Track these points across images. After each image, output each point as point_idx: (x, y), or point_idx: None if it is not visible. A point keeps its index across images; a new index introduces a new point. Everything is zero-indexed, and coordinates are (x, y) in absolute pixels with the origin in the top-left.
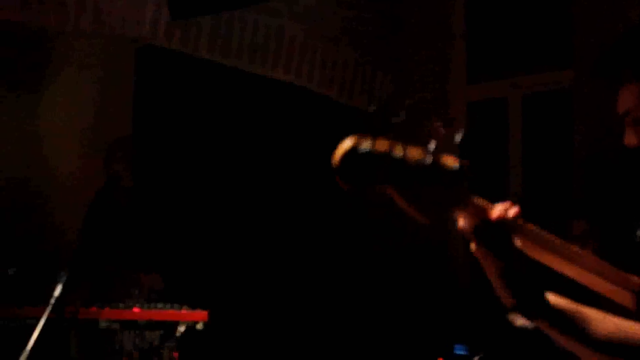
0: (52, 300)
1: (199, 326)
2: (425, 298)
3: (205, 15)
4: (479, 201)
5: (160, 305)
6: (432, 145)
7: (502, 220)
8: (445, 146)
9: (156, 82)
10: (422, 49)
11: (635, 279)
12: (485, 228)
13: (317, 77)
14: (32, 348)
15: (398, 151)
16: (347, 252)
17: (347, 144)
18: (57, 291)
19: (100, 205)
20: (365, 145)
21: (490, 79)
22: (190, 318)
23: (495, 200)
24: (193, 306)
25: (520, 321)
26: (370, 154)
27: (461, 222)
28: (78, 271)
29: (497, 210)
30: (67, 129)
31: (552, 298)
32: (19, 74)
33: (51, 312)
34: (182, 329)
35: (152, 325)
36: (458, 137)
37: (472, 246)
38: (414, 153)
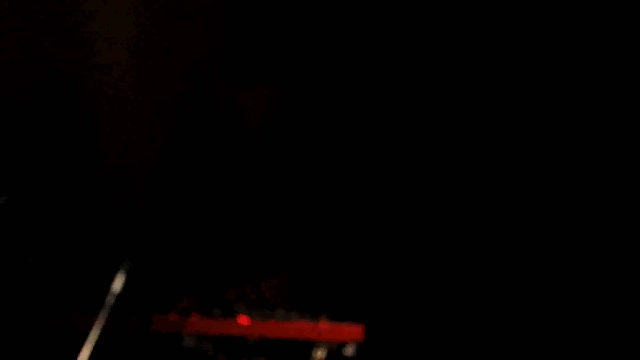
0: (109, 302)
1: (348, 350)
2: None
3: None
4: None
5: (280, 314)
6: None
7: None
8: None
9: None
10: None
11: None
12: None
13: None
14: None
15: None
16: None
17: None
18: (117, 288)
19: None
20: None
21: None
22: (333, 337)
23: None
24: (336, 317)
25: None
26: None
27: None
28: (149, 257)
29: None
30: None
31: None
32: None
33: (107, 320)
34: (321, 354)
35: (268, 346)
36: None
37: None
38: None
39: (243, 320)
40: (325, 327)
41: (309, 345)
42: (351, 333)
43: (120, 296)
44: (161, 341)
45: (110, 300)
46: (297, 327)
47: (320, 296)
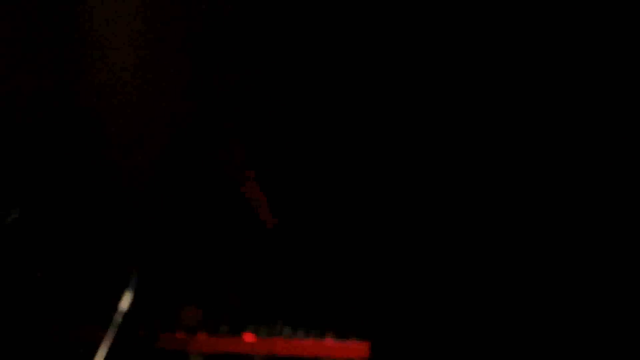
0: (116, 320)
1: None
2: None
3: None
4: None
5: (287, 331)
6: None
7: None
8: None
9: None
10: None
11: None
12: None
13: None
14: None
15: None
16: None
17: None
18: (125, 303)
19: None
20: None
21: None
22: (339, 354)
23: None
24: (342, 334)
25: None
26: None
27: None
28: (157, 270)
29: None
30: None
31: None
32: None
33: (114, 338)
34: None
35: None
36: None
37: None
38: None
39: (249, 337)
40: (331, 345)
41: None
42: (357, 350)
43: (127, 313)
44: (167, 359)
45: (117, 317)
46: (303, 345)
47: (327, 313)
